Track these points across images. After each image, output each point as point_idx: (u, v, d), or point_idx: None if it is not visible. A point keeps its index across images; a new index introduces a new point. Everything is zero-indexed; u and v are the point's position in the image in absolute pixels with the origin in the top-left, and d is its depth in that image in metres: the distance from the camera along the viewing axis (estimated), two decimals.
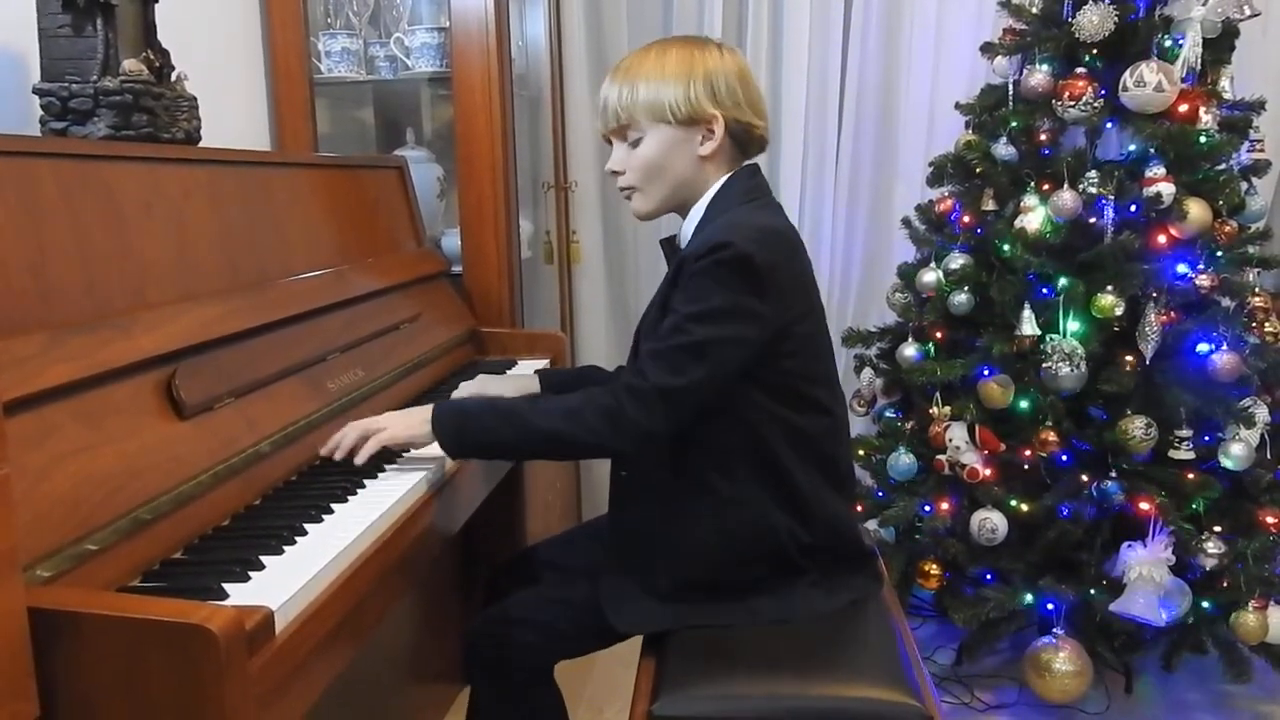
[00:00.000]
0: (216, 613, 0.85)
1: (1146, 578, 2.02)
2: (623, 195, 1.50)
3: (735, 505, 1.37)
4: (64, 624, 0.86)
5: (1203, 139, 2.13)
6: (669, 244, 1.53)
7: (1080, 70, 2.17)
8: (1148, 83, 2.09)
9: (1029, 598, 2.19)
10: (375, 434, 1.38)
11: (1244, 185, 2.23)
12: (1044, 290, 2.21)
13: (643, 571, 1.43)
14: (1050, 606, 2.18)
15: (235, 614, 0.87)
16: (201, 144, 1.62)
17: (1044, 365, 2.13)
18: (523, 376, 1.75)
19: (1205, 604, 2.15)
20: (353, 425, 1.41)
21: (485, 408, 1.40)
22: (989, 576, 2.30)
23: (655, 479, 1.42)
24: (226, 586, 1.00)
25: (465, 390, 1.68)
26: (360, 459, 1.37)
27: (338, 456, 1.39)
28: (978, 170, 2.36)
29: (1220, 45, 2.22)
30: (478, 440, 1.39)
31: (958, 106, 2.50)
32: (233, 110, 2.25)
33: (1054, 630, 2.17)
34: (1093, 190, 2.15)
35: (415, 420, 1.38)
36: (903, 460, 2.35)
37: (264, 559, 1.08)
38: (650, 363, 1.29)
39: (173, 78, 1.60)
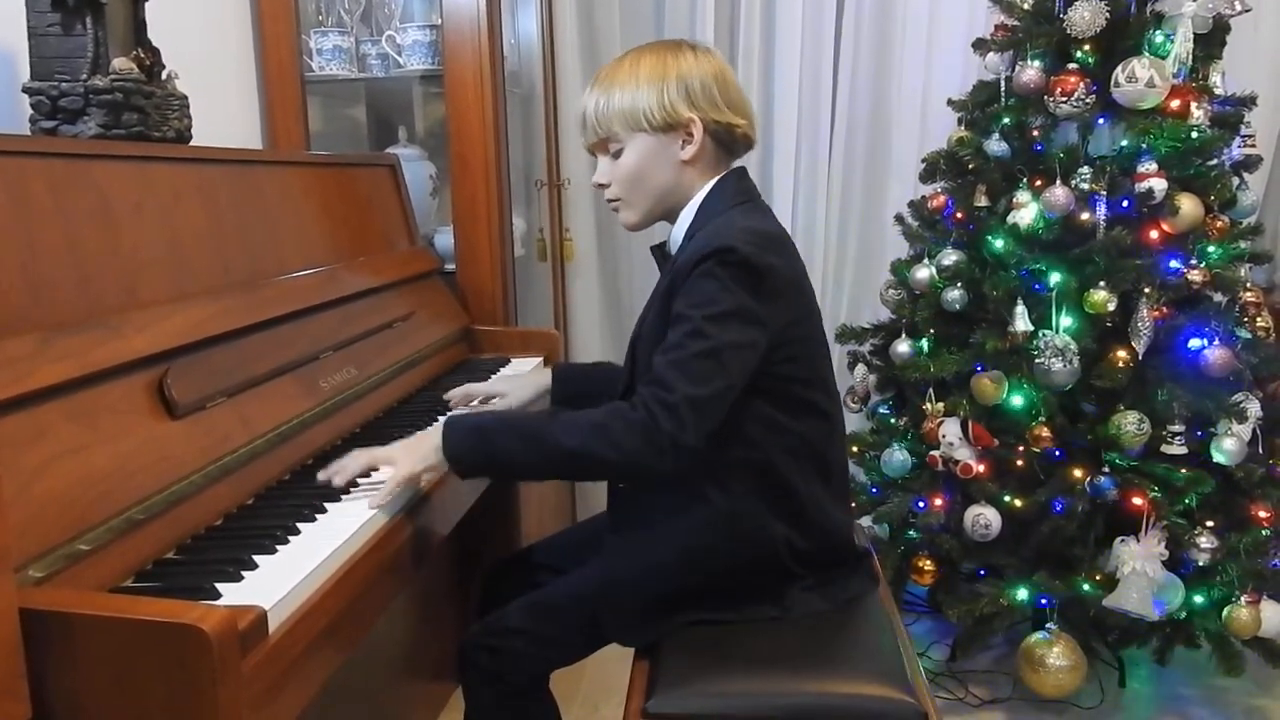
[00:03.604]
0: (209, 613, 0.85)
1: (1140, 572, 2.03)
2: (610, 208, 1.49)
3: (732, 516, 1.36)
4: (56, 624, 0.85)
5: (1194, 134, 2.13)
6: (659, 250, 1.51)
7: (1072, 66, 2.18)
8: (1139, 78, 2.09)
9: (1023, 593, 2.20)
10: (381, 463, 1.32)
11: (1235, 180, 2.23)
12: (1036, 286, 2.21)
13: (640, 587, 1.42)
14: (1044, 602, 2.19)
15: (228, 614, 0.86)
16: (193, 143, 1.62)
17: (1037, 361, 2.13)
18: (535, 371, 1.74)
19: (1198, 598, 2.15)
20: (358, 454, 1.34)
21: (502, 425, 1.32)
22: (983, 572, 2.31)
23: (653, 491, 1.42)
24: (219, 586, 1.00)
25: (480, 390, 1.70)
26: (377, 499, 1.27)
27: (337, 482, 1.31)
28: (970, 166, 2.36)
29: (1211, 40, 2.23)
30: (495, 462, 1.31)
31: (950, 103, 2.50)
32: (224, 108, 2.24)
33: (1048, 625, 2.18)
34: (1085, 186, 2.15)
35: (425, 450, 1.31)
36: (896, 456, 2.36)
37: (257, 558, 1.08)
38: (674, 373, 1.23)
39: (163, 76, 1.59)
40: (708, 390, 1.23)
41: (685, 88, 1.38)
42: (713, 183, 1.42)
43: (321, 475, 1.32)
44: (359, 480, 1.34)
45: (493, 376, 1.76)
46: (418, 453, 1.31)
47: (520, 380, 1.71)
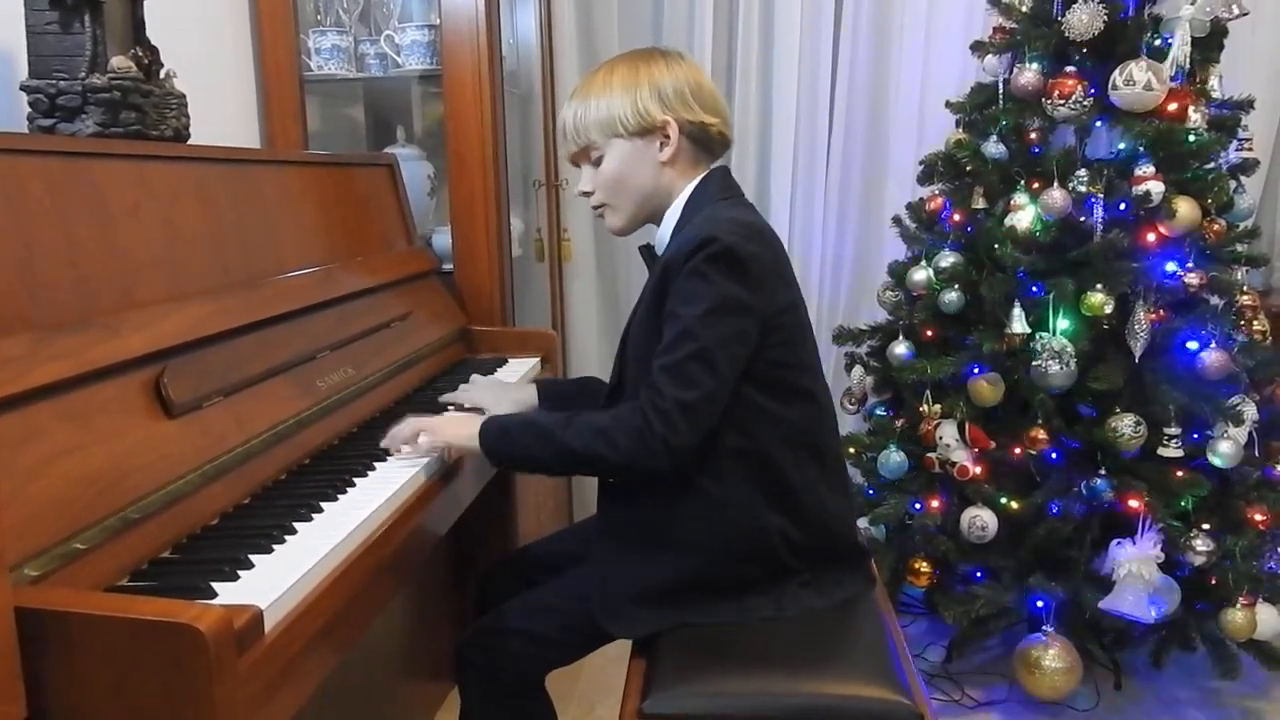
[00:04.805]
0: (205, 612, 0.85)
1: (1136, 575, 2.03)
2: (596, 215, 1.53)
3: (725, 506, 1.37)
4: (52, 624, 0.85)
5: (1191, 138, 2.14)
6: (647, 251, 1.54)
7: (1070, 69, 2.18)
8: (1137, 81, 2.09)
9: (1019, 595, 2.20)
10: (429, 432, 1.44)
11: (1232, 184, 2.24)
12: (1034, 288, 2.21)
13: (633, 576, 1.42)
14: (1040, 604, 2.19)
15: (224, 613, 0.86)
16: (190, 142, 1.61)
17: (1034, 363, 2.14)
18: (521, 387, 1.76)
19: (1194, 601, 2.15)
20: (410, 420, 1.46)
21: (524, 426, 1.42)
22: (979, 574, 2.31)
23: (644, 483, 1.42)
24: (215, 585, 1.00)
25: (463, 400, 1.72)
26: (415, 453, 1.44)
27: (393, 450, 1.44)
28: (968, 168, 2.36)
29: (1209, 44, 2.23)
30: (516, 456, 1.43)
31: (948, 105, 2.50)
32: (222, 107, 2.24)
33: (1044, 627, 2.18)
34: (1082, 189, 2.15)
35: (465, 431, 1.43)
36: (893, 458, 2.36)
37: (253, 558, 1.07)
38: (665, 378, 1.28)
39: (161, 75, 1.59)
40: (696, 393, 1.28)
41: (658, 92, 1.43)
42: (695, 182, 1.46)
43: (384, 443, 1.46)
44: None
45: (474, 378, 1.79)
46: (460, 430, 1.44)
47: (505, 395, 1.72)
